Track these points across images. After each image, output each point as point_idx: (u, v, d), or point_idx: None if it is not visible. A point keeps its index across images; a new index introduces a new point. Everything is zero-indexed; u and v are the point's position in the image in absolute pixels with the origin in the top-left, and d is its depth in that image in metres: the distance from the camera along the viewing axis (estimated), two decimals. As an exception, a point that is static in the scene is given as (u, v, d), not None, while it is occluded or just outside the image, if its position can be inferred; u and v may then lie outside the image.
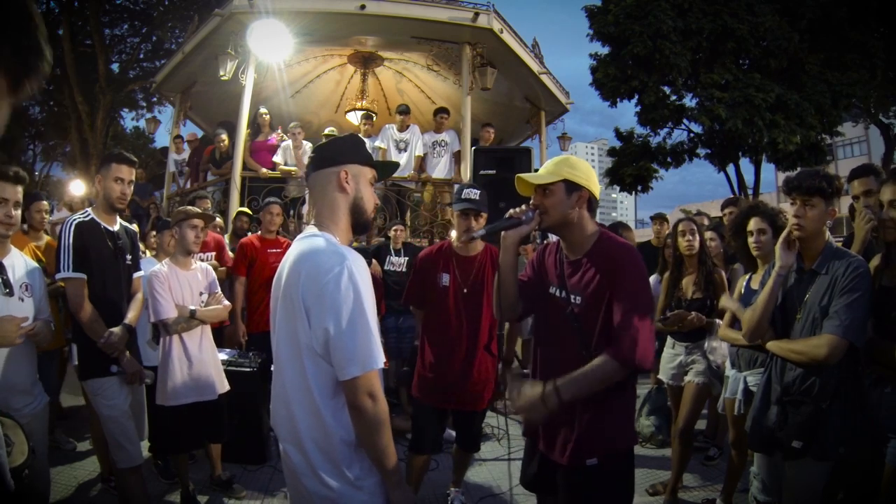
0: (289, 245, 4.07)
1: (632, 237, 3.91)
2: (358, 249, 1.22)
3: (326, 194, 1.46)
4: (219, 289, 3.20)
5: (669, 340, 3.39)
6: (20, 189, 2.22)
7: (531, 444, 1.88)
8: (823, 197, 1.94)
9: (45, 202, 3.96)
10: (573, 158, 1.76)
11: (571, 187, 1.68)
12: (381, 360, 1.31)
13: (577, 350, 1.65)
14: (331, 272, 1.29)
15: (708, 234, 3.46)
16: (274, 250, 4.13)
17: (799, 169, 2.42)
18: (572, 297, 1.69)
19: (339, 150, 1.49)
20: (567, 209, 1.68)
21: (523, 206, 1.73)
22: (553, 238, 1.88)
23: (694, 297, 3.16)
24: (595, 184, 1.74)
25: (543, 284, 1.82)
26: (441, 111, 6.84)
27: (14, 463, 1.38)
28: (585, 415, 1.65)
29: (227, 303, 3.19)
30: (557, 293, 1.75)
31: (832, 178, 1.97)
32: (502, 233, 1.75)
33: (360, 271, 1.33)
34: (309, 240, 1.40)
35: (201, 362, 2.97)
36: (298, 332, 1.34)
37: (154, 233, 3.98)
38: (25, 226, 3.91)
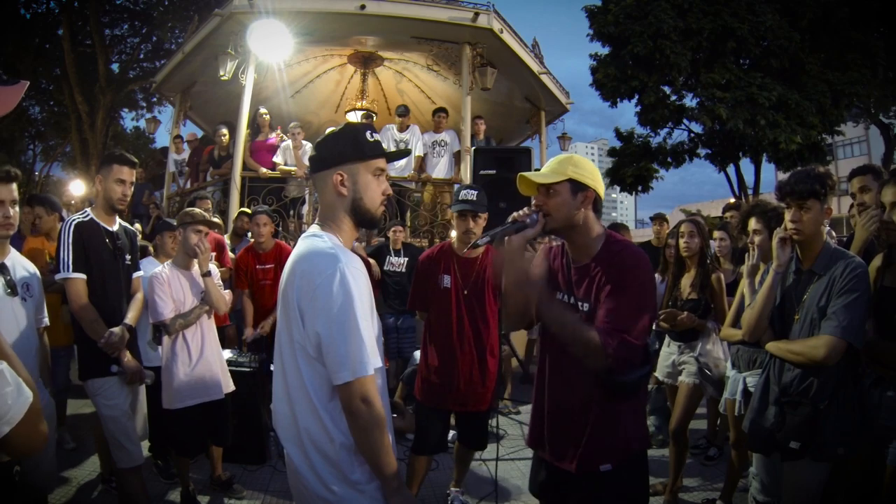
0: (283, 255, 4.10)
1: (629, 237, 3.91)
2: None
3: (325, 197, 1.45)
4: (221, 284, 3.23)
5: (667, 339, 3.41)
6: (14, 187, 2.20)
7: (539, 459, 1.81)
8: (818, 198, 1.94)
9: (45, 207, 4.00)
10: (577, 157, 1.68)
11: (577, 187, 1.60)
12: (372, 365, 1.29)
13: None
14: (323, 274, 1.28)
15: (718, 234, 3.46)
16: (263, 266, 4.18)
17: (796, 169, 2.40)
18: (580, 304, 1.62)
19: (334, 151, 1.42)
20: (572, 210, 1.60)
21: (526, 209, 1.65)
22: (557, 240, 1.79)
23: (689, 298, 3.18)
24: (600, 183, 1.66)
25: (550, 289, 1.72)
26: (439, 111, 6.84)
27: (2, 458, 1.36)
28: (595, 421, 1.60)
29: (227, 291, 3.22)
30: (565, 299, 1.67)
31: (825, 177, 1.96)
32: (506, 238, 1.64)
33: (354, 274, 1.32)
34: (309, 240, 1.40)
35: (205, 361, 2.96)
36: (294, 333, 1.34)
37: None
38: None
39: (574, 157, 1.67)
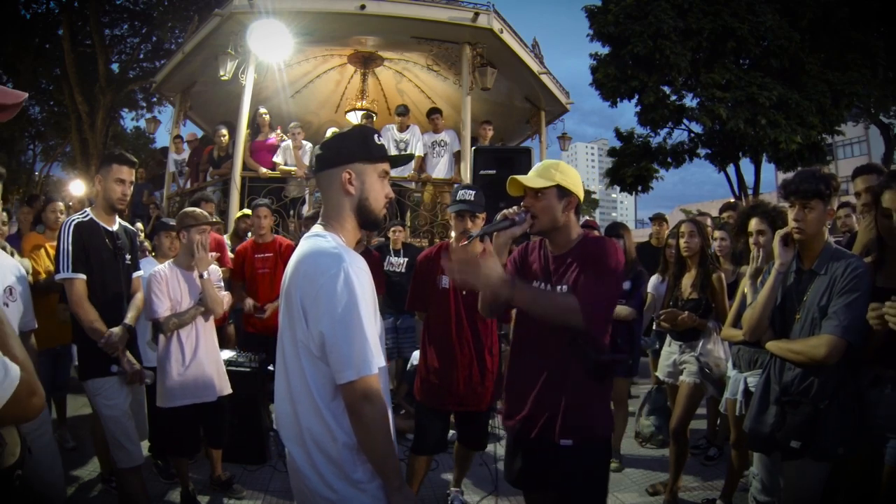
0: (283, 247, 4.10)
1: (630, 237, 3.91)
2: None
3: (331, 196, 1.45)
4: (222, 284, 3.23)
5: (668, 338, 3.41)
6: None
7: (513, 439, 1.94)
8: (821, 199, 1.95)
9: (59, 203, 4.05)
10: (563, 164, 1.83)
11: (562, 193, 1.77)
12: (376, 364, 1.30)
13: (565, 338, 1.71)
14: (326, 274, 1.29)
15: (718, 234, 3.47)
16: (262, 255, 4.17)
17: (799, 169, 2.42)
18: (558, 287, 1.79)
19: (343, 149, 1.44)
20: (557, 213, 1.78)
21: (516, 208, 1.79)
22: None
23: (690, 297, 3.18)
24: (582, 189, 1.84)
25: (526, 280, 1.89)
26: (433, 112, 6.83)
27: (4, 464, 1.34)
28: (568, 398, 1.72)
29: (225, 293, 3.21)
30: (542, 286, 1.84)
31: (829, 178, 1.98)
32: (495, 233, 1.80)
33: (358, 273, 1.32)
34: (312, 239, 1.40)
35: (198, 363, 2.96)
36: (297, 333, 1.34)
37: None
38: (41, 226, 3.98)
39: (560, 163, 1.83)
